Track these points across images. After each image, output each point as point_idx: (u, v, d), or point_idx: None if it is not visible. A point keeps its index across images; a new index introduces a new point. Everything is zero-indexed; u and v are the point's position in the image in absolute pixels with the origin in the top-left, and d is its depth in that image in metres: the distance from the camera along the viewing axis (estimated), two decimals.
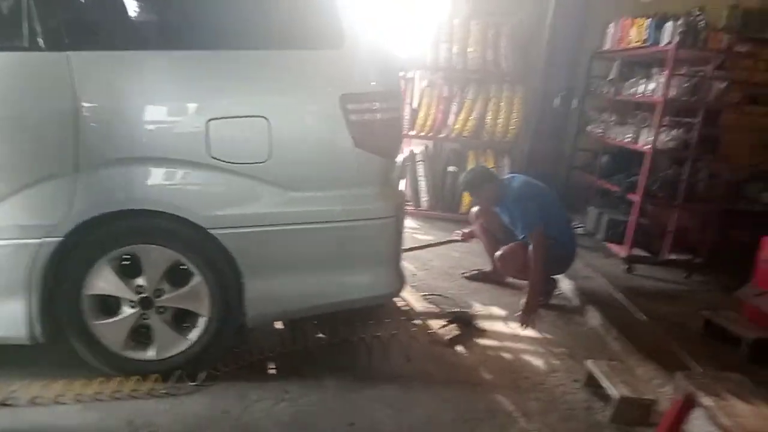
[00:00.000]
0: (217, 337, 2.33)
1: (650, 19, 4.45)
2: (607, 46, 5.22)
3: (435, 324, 3.10)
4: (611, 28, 5.15)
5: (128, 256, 2.25)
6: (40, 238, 2.09)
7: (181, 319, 2.33)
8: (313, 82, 2.26)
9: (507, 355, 2.93)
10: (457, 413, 2.36)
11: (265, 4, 2.29)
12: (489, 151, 5.44)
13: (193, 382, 2.31)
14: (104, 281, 2.21)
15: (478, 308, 3.42)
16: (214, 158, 2.14)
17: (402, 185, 5.56)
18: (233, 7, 2.22)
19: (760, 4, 5.19)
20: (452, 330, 3.06)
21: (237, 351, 2.50)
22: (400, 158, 5.37)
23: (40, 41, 2.04)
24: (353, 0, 2.30)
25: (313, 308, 2.48)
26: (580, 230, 4.83)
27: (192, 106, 2.17)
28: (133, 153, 2.13)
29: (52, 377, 2.26)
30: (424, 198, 5.48)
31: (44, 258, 2.10)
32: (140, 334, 2.31)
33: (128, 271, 2.25)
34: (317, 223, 2.27)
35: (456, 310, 3.27)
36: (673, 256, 4.38)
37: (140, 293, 2.24)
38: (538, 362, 2.89)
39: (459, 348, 2.93)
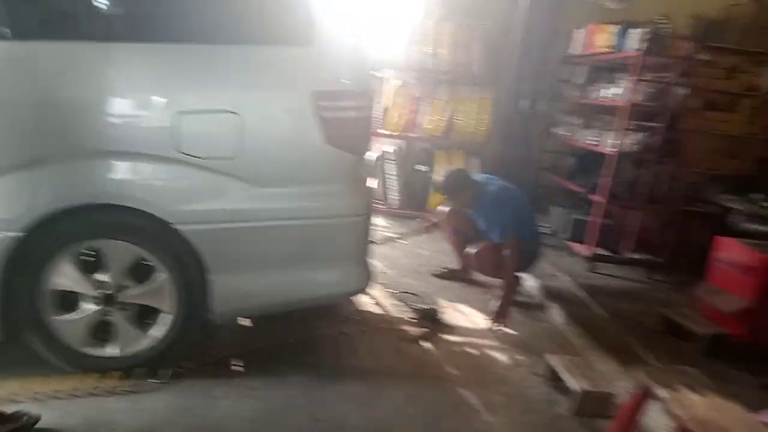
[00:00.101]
0: (182, 334, 2.30)
1: (617, 26, 4.56)
2: (575, 51, 5.34)
3: (402, 320, 3.13)
4: (579, 34, 5.27)
5: (91, 251, 2.21)
6: None
7: (145, 316, 2.30)
8: (284, 78, 2.25)
9: (472, 351, 2.97)
10: (422, 407, 2.38)
11: None
12: (459, 152, 5.50)
13: (157, 379, 2.28)
14: (65, 277, 2.17)
15: (445, 305, 3.46)
16: (181, 152, 2.12)
17: (372, 184, 5.59)
18: (206, 1, 2.20)
19: (720, 14, 5.39)
20: (419, 327, 3.09)
21: (202, 348, 2.48)
22: (371, 157, 5.42)
23: (5, 30, 1.99)
24: None
25: (281, 305, 2.47)
26: (545, 230, 4.92)
27: (160, 100, 2.14)
28: (97, 146, 2.09)
29: (7, 375, 2.20)
30: (393, 196, 5.51)
31: (2, 252, 2.04)
32: (102, 331, 2.26)
33: (90, 266, 2.20)
34: (286, 219, 2.27)
35: (423, 307, 3.31)
36: (634, 256, 4.50)
37: (102, 289, 2.20)
38: (502, 357, 2.94)
39: (426, 344, 2.96)
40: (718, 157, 5.52)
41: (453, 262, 3.99)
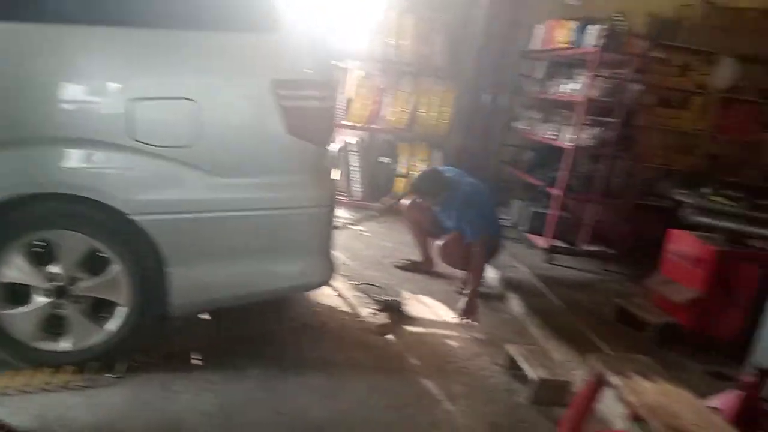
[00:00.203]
0: (138, 327, 2.24)
1: (576, 22, 4.66)
2: (535, 46, 5.42)
3: (365, 312, 3.14)
4: (539, 29, 5.35)
5: (42, 243, 2.12)
6: None
7: (100, 309, 2.23)
8: (244, 65, 2.21)
9: (433, 341, 3.01)
10: (384, 398, 2.40)
11: None
12: (422, 144, 5.53)
13: (112, 373, 2.21)
14: (15, 269, 2.08)
15: (408, 297, 3.48)
16: (136, 140, 2.06)
17: (335, 175, 5.56)
18: None
19: (674, 13, 5.57)
20: (382, 318, 3.10)
21: (160, 341, 2.42)
22: (334, 148, 5.38)
23: None
24: None
25: (242, 297, 2.43)
26: (506, 222, 5.00)
27: (114, 86, 2.07)
28: (48, 133, 2.01)
29: None
30: (357, 188, 5.49)
31: None
32: (54, 325, 2.18)
33: (42, 258, 2.12)
34: (246, 210, 2.23)
35: (386, 298, 3.32)
36: (590, 248, 4.63)
37: (54, 281, 2.12)
38: (463, 348, 2.98)
39: (388, 336, 2.98)
40: (671, 153, 5.72)
41: (416, 254, 4.01)
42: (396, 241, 4.41)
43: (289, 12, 2.24)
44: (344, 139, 5.55)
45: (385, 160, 5.52)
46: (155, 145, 2.08)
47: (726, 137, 5.70)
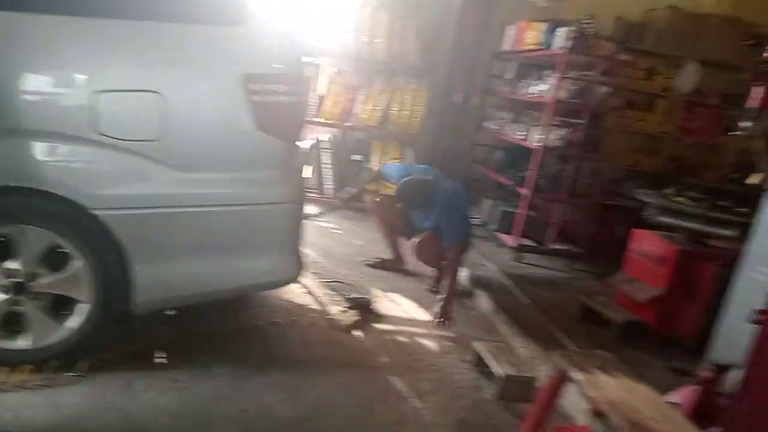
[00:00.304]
0: (101, 325, 2.19)
1: (545, 24, 4.73)
2: (506, 47, 5.48)
3: (334, 310, 3.13)
4: (510, 30, 5.41)
5: (0, 237, 2.05)
6: None
7: (60, 306, 2.17)
8: (212, 58, 2.17)
9: (403, 339, 3.02)
10: (351, 396, 2.40)
11: None
12: (394, 142, 5.53)
13: (73, 372, 2.16)
14: None
15: (378, 295, 3.48)
16: (100, 133, 2.01)
17: (307, 172, 5.52)
18: None
19: (641, 18, 5.70)
20: (351, 315, 3.10)
21: (123, 339, 2.37)
22: (306, 145, 5.35)
23: None
24: None
25: (208, 294, 2.40)
26: (476, 221, 5.05)
27: (77, 77, 2.01)
28: (8, 124, 1.95)
29: None
30: (329, 186, 5.47)
31: None
32: (12, 322, 2.12)
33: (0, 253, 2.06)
34: (213, 206, 2.20)
35: (356, 296, 3.31)
36: (557, 246, 4.71)
37: (13, 278, 2.06)
38: (431, 345, 3.00)
39: (358, 333, 2.98)
40: (637, 154, 5.86)
41: (386, 252, 4.02)
42: (367, 239, 4.40)
43: (259, 6, 2.22)
44: (316, 136, 5.52)
45: (357, 157, 5.51)
46: (120, 139, 2.04)
47: (689, 140, 5.87)
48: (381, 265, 3.98)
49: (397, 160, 5.33)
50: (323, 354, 2.71)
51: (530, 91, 4.91)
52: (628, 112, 5.67)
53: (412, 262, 3.89)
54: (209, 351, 2.50)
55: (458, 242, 3.43)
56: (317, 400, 2.32)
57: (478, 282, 3.87)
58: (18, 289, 2.07)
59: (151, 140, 2.07)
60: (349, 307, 3.18)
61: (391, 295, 3.56)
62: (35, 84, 1.99)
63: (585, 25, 4.53)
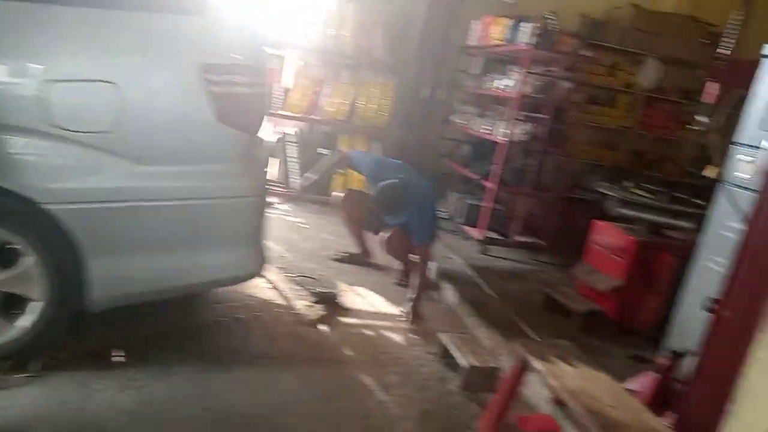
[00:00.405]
0: (54, 323, 2.12)
1: (510, 19, 4.76)
2: (471, 41, 5.51)
3: (300, 304, 3.10)
4: (476, 25, 5.44)
5: None
6: None
7: (11, 304, 2.08)
8: (169, 48, 2.12)
9: (369, 333, 3.01)
10: (317, 390, 2.38)
11: None
12: (361, 136, 5.51)
13: (26, 372, 2.08)
14: None
15: (344, 289, 3.47)
16: (52, 125, 1.93)
17: (273, 166, 5.45)
18: None
19: (604, 15, 5.80)
20: (317, 310, 3.08)
21: (78, 337, 2.30)
22: (272, 138, 5.28)
23: None
24: None
25: (168, 290, 2.35)
26: (443, 215, 5.08)
27: (28, 66, 1.93)
28: None
29: None
30: (295, 180, 5.41)
31: None
32: None
33: None
34: (171, 200, 2.15)
35: (322, 290, 3.29)
36: (522, 239, 4.78)
37: None
38: (397, 338, 3.01)
39: (323, 328, 2.96)
40: (598, 149, 5.98)
41: (353, 246, 4.00)
42: (334, 234, 4.38)
43: None
44: (283, 129, 5.45)
45: (324, 151, 5.47)
46: (72, 130, 1.97)
47: (650, 134, 6.01)
48: (348, 259, 3.97)
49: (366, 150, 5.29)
50: (288, 349, 2.68)
51: (496, 86, 4.94)
52: (590, 107, 5.77)
53: (380, 256, 3.88)
54: (170, 348, 2.44)
55: (428, 243, 3.43)
56: (281, 395, 2.30)
57: (444, 274, 3.89)
58: None
59: (106, 132, 2.01)
60: (315, 302, 3.16)
61: (357, 289, 3.55)
62: None
63: (549, 21, 4.58)
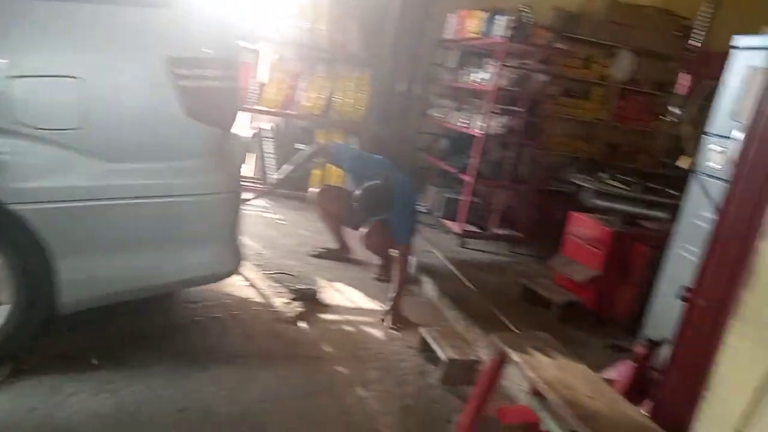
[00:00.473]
0: (23, 327, 2.05)
1: (486, 13, 4.76)
2: (447, 35, 5.50)
3: (278, 302, 3.07)
4: (451, 18, 5.43)
5: None
6: None
7: None
8: (135, 41, 2.05)
9: (348, 328, 3.00)
10: (295, 388, 2.36)
11: None
12: (338, 131, 5.47)
13: None
14: None
15: (323, 285, 3.44)
16: (14, 122, 1.87)
17: (250, 161, 5.39)
18: None
19: (579, 8, 5.84)
20: (295, 307, 3.05)
21: (49, 340, 2.24)
22: (247, 133, 5.20)
23: None
24: None
25: (142, 290, 2.30)
26: (423, 209, 5.08)
27: None
28: None
29: None
30: (272, 176, 5.36)
31: None
32: None
33: None
34: (141, 198, 2.09)
35: (300, 287, 3.26)
36: (500, 231, 4.80)
37: None
38: (377, 333, 2.99)
39: (302, 324, 2.93)
40: (574, 141, 6.04)
41: (332, 242, 3.98)
42: (313, 229, 4.34)
43: None
44: (258, 124, 5.39)
45: (301, 146, 5.41)
46: (37, 128, 1.90)
47: (624, 126, 6.09)
48: (326, 254, 3.94)
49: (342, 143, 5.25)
50: (266, 347, 2.65)
51: (472, 79, 4.95)
52: (566, 99, 5.83)
53: (359, 251, 3.86)
54: (145, 349, 2.40)
55: (409, 241, 3.40)
56: (260, 394, 2.27)
57: (424, 268, 3.89)
58: None
59: (72, 129, 1.95)
60: (294, 299, 3.13)
61: (336, 284, 3.53)
62: None
63: (524, 14, 4.59)
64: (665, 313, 2.75)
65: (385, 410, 2.34)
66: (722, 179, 2.56)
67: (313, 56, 5.38)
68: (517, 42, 4.37)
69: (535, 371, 1.81)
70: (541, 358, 1.91)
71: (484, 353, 2.72)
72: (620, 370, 2.30)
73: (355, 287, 3.53)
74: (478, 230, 4.74)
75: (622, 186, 3.63)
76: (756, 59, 2.55)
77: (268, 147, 5.34)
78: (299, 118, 5.43)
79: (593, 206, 3.63)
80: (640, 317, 3.08)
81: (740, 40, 2.74)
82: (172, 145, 2.12)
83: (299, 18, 5.19)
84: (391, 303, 3.20)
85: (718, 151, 2.74)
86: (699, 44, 5.58)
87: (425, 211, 5.13)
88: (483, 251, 4.58)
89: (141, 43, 2.05)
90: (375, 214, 3.38)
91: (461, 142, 5.08)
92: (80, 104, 1.94)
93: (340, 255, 3.95)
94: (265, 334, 2.75)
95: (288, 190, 5.26)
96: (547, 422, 1.76)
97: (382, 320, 3.14)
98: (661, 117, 5.69)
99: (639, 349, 2.26)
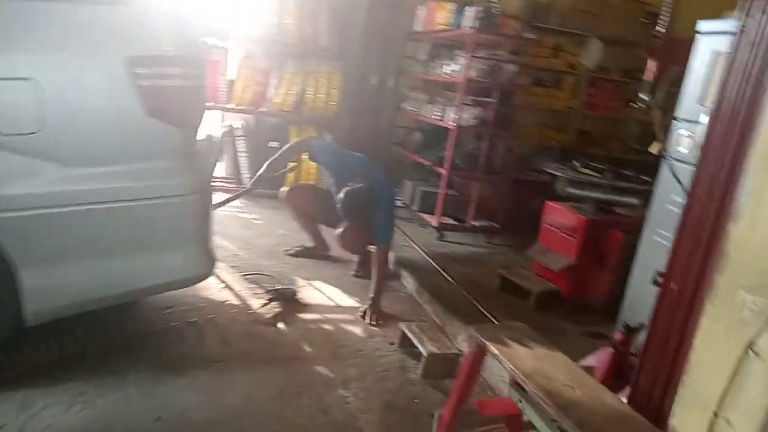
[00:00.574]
0: None
1: (454, 4, 4.75)
2: (417, 27, 5.47)
3: (256, 303, 3.02)
4: (421, 11, 5.40)
5: None
6: None
7: None
8: (92, 41, 1.99)
9: (328, 327, 2.97)
10: (274, 390, 2.32)
11: None
12: (311, 127, 5.41)
13: None
14: None
15: (301, 284, 3.40)
16: None
17: (222, 161, 5.31)
18: None
19: None
20: (273, 308, 3.01)
21: (18, 354, 2.17)
22: (218, 132, 5.12)
23: None
24: None
25: (111, 297, 2.23)
26: (400, 203, 5.06)
27: None
28: None
29: None
30: (245, 175, 5.28)
31: None
32: None
33: None
34: (106, 202, 2.02)
35: (278, 287, 3.22)
36: (476, 223, 4.81)
37: None
38: (357, 330, 2.97)
39: (280, 325, 2.89)
40: (546, 130, 6.07)
41: (308, 240, 3.93)
42: (290, 228, 4.28)
43: None
44: (229, 123, 5.30)
45: (274, 144, 5.34)
46: None
47: (595, 114, 6.14)
48: (303, 253, 3.90)
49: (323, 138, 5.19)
50: (244, 350, 2.60)
51: (443, 71, 4.93)
52: (536, 89, 5.84)
53: (336, 248, 3.82)
54: (119, 357, 2.34)
55: (389, 240, 3.37)
56: (238, 397, 2.23)
57: (402, 263, 3.88)
58: None
59: (30, 133, 1.87)
60: (271, 299, 3.08)
61: (315, 283, 3.49)
62: None
63: (492, 5, 4.59)
64: (642, 298, 2.77)
65: (366, 408, 2.32)
66: (691, 164, 2.58)
67: (283, 52, 5.30)
68: (486, 33, 4.37)
69: (513, 362, 1.81)
70: (518, 349, 1.90)
71: (464, 346, 2.71)
72: (599, 357, 2.31)
73: (334, 285, 3.50)
74: (456, 222, 4.74)
75: (595, 174, 3.65)
76: (720, 44, 2.58)
77: (240, 146, 5.26)
78: (271, 115, 5.36)
79: (567, 195, 3.65)
80: (617, 303, 3.11)
81: (704, 25, 2.77)
82: (135, 147, 2.06)
83: (267, 13, 5.11)
84: (371, 303, 3.17)
85: (687, 136, 2.77)
86: (665, 30, 5.64)
87: (402, 205, 5.12)
88: (461, 243, 4.58)
89: (98, 42, 1.98)
90: (356, 218, 3.31)
91: (435, 134, 5.07)
92: (35, 107, 1.86)
93: (317, 252, 3.92)
94: (242, 336, 2.71)
95: (264, 189, 5.20)
96: (528, 413, 1.76)
97: (362, 317, 3.11)
98: (631, 104, 5.74)
99: (617, 335, 2.28)
